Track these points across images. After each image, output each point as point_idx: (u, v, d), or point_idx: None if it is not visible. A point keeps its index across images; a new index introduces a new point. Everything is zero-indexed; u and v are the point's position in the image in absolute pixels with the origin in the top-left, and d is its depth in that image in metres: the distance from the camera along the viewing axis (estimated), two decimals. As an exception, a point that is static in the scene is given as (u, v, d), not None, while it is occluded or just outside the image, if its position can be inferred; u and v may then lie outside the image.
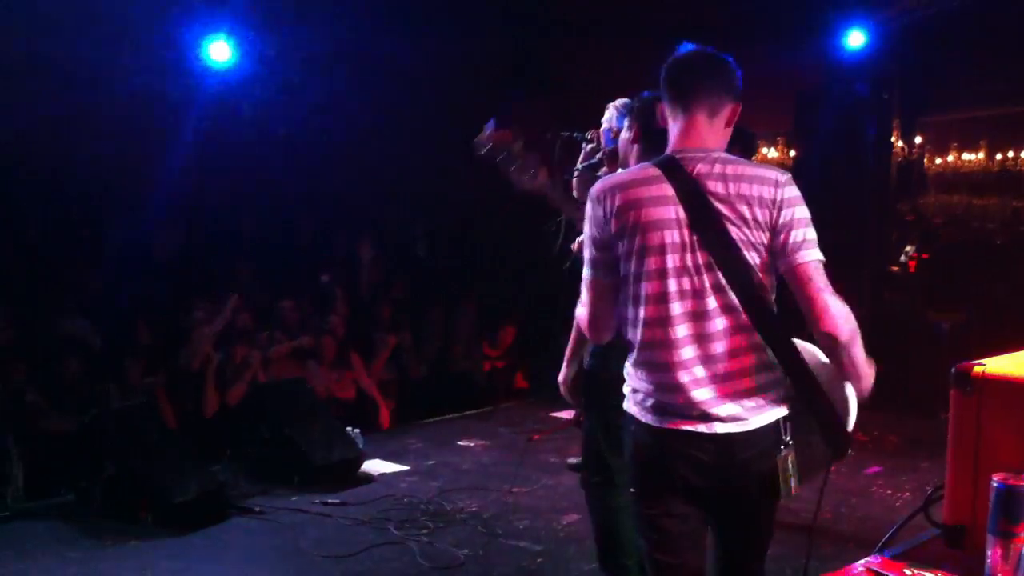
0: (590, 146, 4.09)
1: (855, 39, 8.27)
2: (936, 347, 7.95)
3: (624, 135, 3.81)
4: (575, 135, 5.84)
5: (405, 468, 6.26)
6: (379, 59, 8.36)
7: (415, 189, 9.10)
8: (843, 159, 8.52)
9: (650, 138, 3.68)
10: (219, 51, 7.43)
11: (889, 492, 5.80)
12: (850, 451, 2.69)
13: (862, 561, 2.12)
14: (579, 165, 4.02)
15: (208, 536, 5.06)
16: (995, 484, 1.92)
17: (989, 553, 1.94)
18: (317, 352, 7.29)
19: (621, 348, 3.35)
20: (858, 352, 2.59)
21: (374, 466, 6.22)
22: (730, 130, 2.75)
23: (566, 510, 5.43)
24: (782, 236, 2.58)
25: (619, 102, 6.03)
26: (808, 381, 2.64)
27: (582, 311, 2.81)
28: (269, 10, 7.62)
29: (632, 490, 2.81)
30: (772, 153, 11.00)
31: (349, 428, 6.29)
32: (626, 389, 2.76)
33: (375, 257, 8.92)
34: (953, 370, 2.13)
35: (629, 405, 2.73)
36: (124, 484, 5.28)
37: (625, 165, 3.77)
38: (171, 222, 8.61)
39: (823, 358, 2.67)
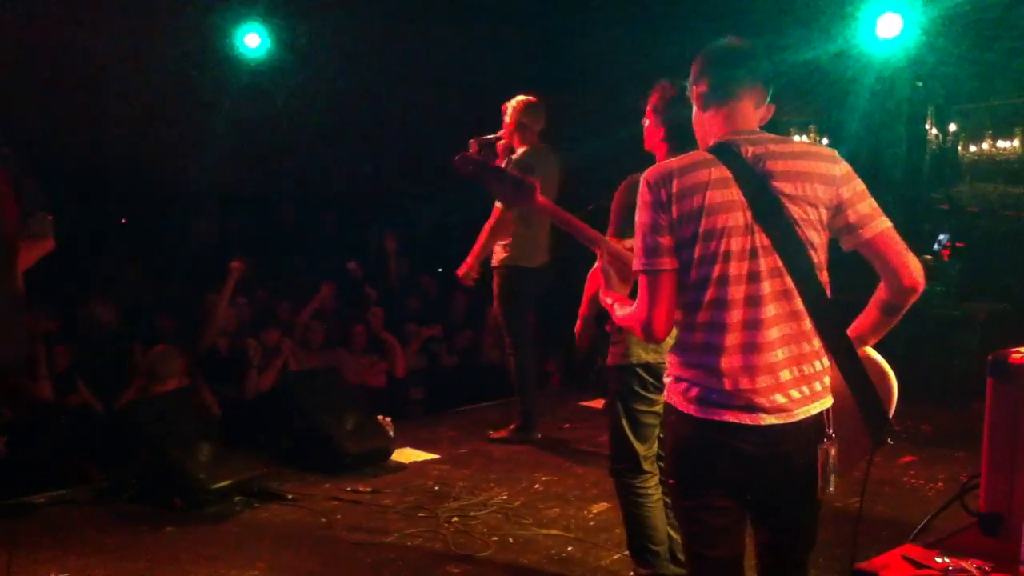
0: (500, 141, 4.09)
1: (888, 26, 8.20)
2: (970, 337, 7.89)
3: (648, 130, 3.82)
4: (491, 137, 5.90)
5: (436, 456, 6.28)
6: (410, 50, 8.38)
7: (446, 181, 9.12)
8: (875, 147, 8.46)
9: (675, 135, 3.69)
10: (252, 40, 7.46)
11: (922, 482, 5.76)
12: (889, 440, 2.67)
13: (897, 549, 2.12)
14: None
15: (241, 523, 5.10)
16: (1032, 473, 1.92)
17: (1026, 542, 1.93)
18: (348, 340, 7.33)
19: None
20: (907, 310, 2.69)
21: (405, 454, 6.24)
22: (771, 112, 2.77)
23: (596, 498, 5.42)
24: (851, 209, 2.61)
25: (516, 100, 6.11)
26: (856, 368, 2.63)
27: (633, 311, 2.74)
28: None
29: (671, 481, 2.80)
30: (804, 138, 10.92)
31: (380, 416, 6.31)
32: (667, 379, 2.74)
33: (400, 249, 8.95)
34: (990, 358, 2.12)
35: (670, 395, 2.71)
36: (157, 471, 5.33)
37: (663, 155, 3.77)
38: (205, 212, 8.69)
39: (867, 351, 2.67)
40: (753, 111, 2.71)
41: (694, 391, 2.62)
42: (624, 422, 3.93)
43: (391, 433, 6.26)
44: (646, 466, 3.97)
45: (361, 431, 6.08)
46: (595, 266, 3.84)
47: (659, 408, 3.87)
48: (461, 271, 6.35)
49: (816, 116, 10.32)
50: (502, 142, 6.28)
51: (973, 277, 8.68)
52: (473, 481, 5.78)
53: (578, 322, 4.21)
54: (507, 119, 6.29)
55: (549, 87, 8.10)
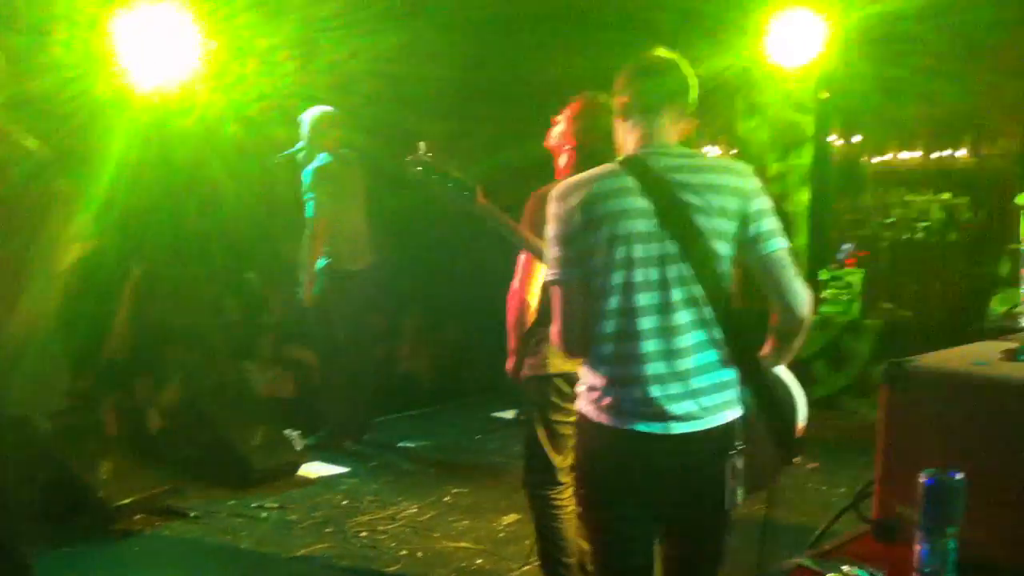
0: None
1: (793, 39, 8.34)
2: (872, 344, 8.05)
3: (559, 137, 3.83)
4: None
5: (345, 470, 6.19)
6: (339, 54, 8.26)
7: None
8: (781, 159, 8.61)
9: (589, 144, 3.71)
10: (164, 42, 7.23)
11: (824, 488, 5.86)
12: (798, 459, 2.69)
13: (794, 558, 2.13)
14: None
15: (143, 542, 4.97)
16: (924, 480, 1.93)
17: (918, 548, 1.95)
18: (253, 351, 7.21)
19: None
20: (802, 338, 2.68)
21: (314, 468, 6.14)
22: (689, 127, 2.78)
23: (507, 510, 5.40)
24: (754, 226, 2.62)
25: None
26: (763, 382, 2.65)
27: (553, 327, 2.74)
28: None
29: (582, 492, 2.79)
30: (714, 152, 11.06)
31: (288, 430, 6.21)
32: (579, 388, 2.73)
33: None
34: (884, 367, 2.14)
35: (583, 405, 2.70)
36: (57, 489, 5.16)
37: (569, 162, 3.79)
38: (109, 220, 8.46)
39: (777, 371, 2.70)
40: (672, 125, 2.72)
41: (606, 400, 2.62)
42: (541, 434, 3.90)
43: (299, 447, 6.16)
44: (561, 478, 3.96)
45: (268, 445, 5.97)
46: (512, 285, 3.83)
47: (572, 418, 3.86)
48: (307, 297, 6.43)
49: (726, 129, 10.48)
50: (302, 153, 6.52)
51: (876, 286, 8.86)
52: (382, 495, 5.71)
53: (510, 359, 4.02)
54: (304, 130, 6.56)
55: (467, 98, 8.11)
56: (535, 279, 3.76)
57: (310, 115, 6.54)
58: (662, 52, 2.79)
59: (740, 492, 2.63)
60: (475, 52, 8.34)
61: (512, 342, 3.92)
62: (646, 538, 2.73)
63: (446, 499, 5.65)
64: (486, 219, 3.61)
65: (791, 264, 2.65)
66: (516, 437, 5.10)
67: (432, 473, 6.18)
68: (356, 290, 6.52)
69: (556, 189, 2.69)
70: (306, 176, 6.38)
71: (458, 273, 8.79)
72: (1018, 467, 1.96)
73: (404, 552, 4.84)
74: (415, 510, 5.46)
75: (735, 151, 10.26)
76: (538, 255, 3.24)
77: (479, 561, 4.76)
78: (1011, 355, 2.20)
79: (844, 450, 6.53)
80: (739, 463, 2.60)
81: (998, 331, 2.56)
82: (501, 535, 5.09)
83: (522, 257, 3.75)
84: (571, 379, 3.85)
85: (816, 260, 8.68)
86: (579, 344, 2.69)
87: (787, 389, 2.68)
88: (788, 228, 7.92)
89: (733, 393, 2.64)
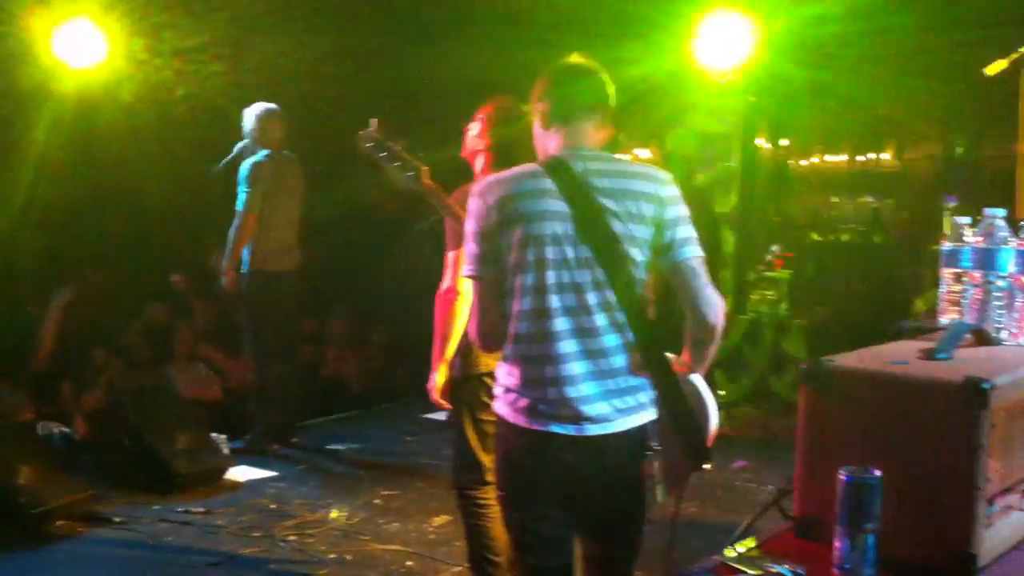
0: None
1: (722, 42, 8.42)
2: (798, 344, 8.17)
3: (474, 139, 3.84)
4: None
5: (273, 474, 6.12)
6: (258, 56, 8.16)
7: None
8: (706, 160, 8.70)
9: (504, 150, 3.74)
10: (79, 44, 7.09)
11: (753, 486, 5.92)
12: (707, 466, 2.72)
13: (716, 555, 2.14)
14: None
15: (65, 549, 4.86)
16: (842, 477, 1.96)
17: (837, 544, 1.97)
18: (177, 355, 7.10)
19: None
20: (715, 347, 2.71)
21: (241, 472, 6.06)
22: (609, 132, 2.79)
23: (437, 511, 5.38)
24: (669, 232, 2.64)
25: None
26: (674, 388, 2.67)
27: (470, 322, 2.76)
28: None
29: (501, 493, 2.80)
30: (645, 153, 11.14)
31: (214, 434, 6.12)
32: (497, 389, 2.73)
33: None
34: (802, 366, 2.16)
35: (500, 406, 2.71)
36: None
37: (480, 175, 3.81)
38: (30, 225, 8.28)
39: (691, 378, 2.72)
40: (593, 131, 2.73)
41: (522, 401, 2.63)
42: (471, 434, 3.90)
43: (226, 450, 6.08)
44: (488, 477, 3.95)
45: (194, 449, 5.87)
46: (440, 289, 3.81)
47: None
48: (227, 284, 6.35)
49: (656, 133, 10.56)
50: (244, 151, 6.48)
51: (803, 287, 9.00)
52: (311, 498, 5.66)
53: (434, 370, 3.93)
54: (248, 125, 6.48)
55: (395, 100, 8.07)
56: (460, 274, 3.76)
57: (255, 111, 6.44)
58: (580, 58, 2.80)
59: (660, 491, 2.67)
60: (406, 53, 8.31)
61: (437, 349, 3.88)
62: (565, 538, 2.75)
63: (376, 502, 5.61)
64: (430, 200, 3.63)
65: (703, 273, 2.68)
66: (446, 439, 5.10)
67: (361, 476, 6.14)
68: (284, 292, 6.46)
69: (477, 185, 2.71)
70: (243, 169, 6.30)
71: (388, 274, 8.74)
72: (933, 464, 1.99)
73: (333, 555, 4.79)
74: (344, 513, 5.41)
75: (664, 153, 10.36)
76: None
77: (409, 563, 4.73)
78: (927, 354, 2.23)
79: (773, 448, 6.62)
80: (656, 464, 2.63)
81: (917, 330, 2.60)
82: (431, 537, 5.07)
83: (451, 255, 3.74)
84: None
85: (744, 262, 8.79)
86: (492, 339, 2.72)
87: (699, 397, 2.71)
88: (716, 231, 8.03)
89: (646, 396, 2.66)
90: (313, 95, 8.42)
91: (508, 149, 3.71)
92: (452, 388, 3.91)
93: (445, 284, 3.79)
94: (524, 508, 2.72)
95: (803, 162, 11.88)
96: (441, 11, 8.23)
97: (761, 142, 9.92)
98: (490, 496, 3.97)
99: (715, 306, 2.67)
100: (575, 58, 2.80)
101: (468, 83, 7.56)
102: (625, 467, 2.66)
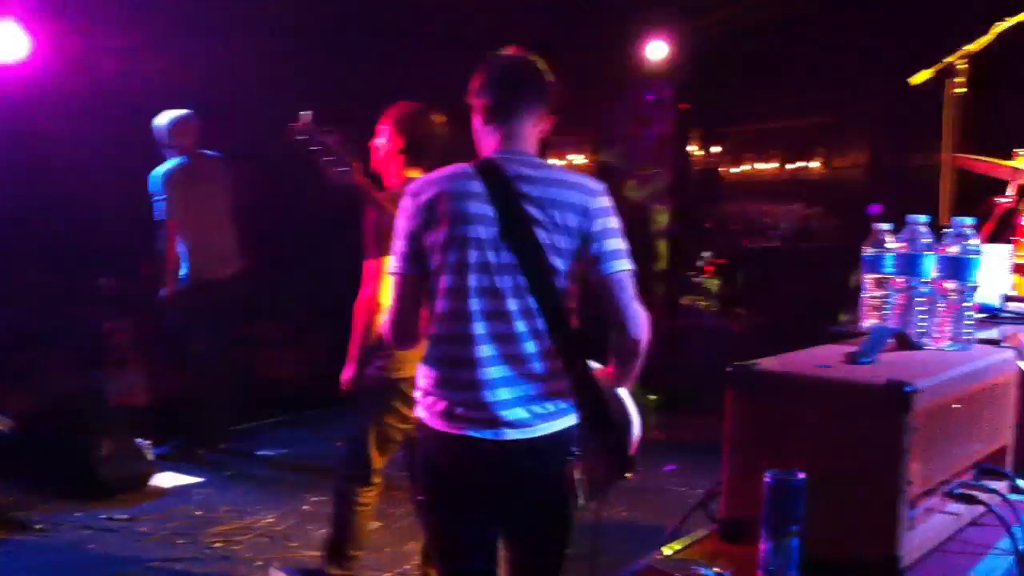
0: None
1: (655, 51, 8.49)
2: (729, 350, 8.22)
3: (384, 146, 3.83)
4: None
5: (201, 480, 6.03)
6: (192, 53, 8.02)
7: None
8: (643, 166, 8.77)
9: (417, 148, 3.76)
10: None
11: (684, 489, 5.96)
12: (629, 475, 2.72)
13: (643, 559, 2.14)
14: None
15: (-18, 557, 4.74)
16: (767, 479, 1.97)
17: (762, 547, 1.98)
18: (105, 358, 6.96)
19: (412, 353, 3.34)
20: (641, 361, 2.70)
21: (167, 479, 5.96)
22: (542, 134, 2.78)
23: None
24: (595, 245, 2.63)
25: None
26: (595, 397, 2.67)
27: (386, 319, 2.74)
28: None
29: (421, 498, 2.77)
30: (579, 159, 11.18)
31: (140, 440, 6.00)
32: (416, 393, 2.71)
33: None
34: (728, 369, 2.17)
35: (420, 409, 2.70)
36: None
37: (390, 179, 3.81)
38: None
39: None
40: (531, 128, 2.72)
41: (441, 405, 2.62)
42: (372, 434, 3.92)
43: (151, 456, 5.97)
44: (374, 479, 4.02)
45: (118, 455, 5.76)
46: (362, 294, 3.79)
47: (409, 424, 3.87)
48: (168, 295, 6.26)
49: (593, 137, 10.61)
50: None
51: (732, 293, 9.08)
52: (238, 504, 5.58)
53: (348, 367, 4.01)
54: (160, 135, 6.42)
55: (332, 99, 7.98)
56: (383, 281, 3.74)
57: (164, 119, 6.37)
58: (520, 53, 2.78)
59: (582, 495, 2.66)
60: (336, 57, 8.24)
61: (353, 349, 3.90)
62: (487, 543, 2.74)
63: (304, 508, 5.55)
64: (361, 196, 3.63)
65: (630, 286, 2.67)
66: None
67: (291, 482, 6.07)
68: (220, 300, 6.36)
69: (410, 184, 2.69)
70: (154, 179, 6.21)
71: (321, 279, 8.64)
72: (857, 466, 2.00)
73: (260, 562, 4.73)
74: (272, 519, 5.35)
75: (598, 162, 10.42)
76: None
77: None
78: (852, 358, 2.25)
79: (704, 452, 6.64)
80: (578, 469, 2.63)
81: (842, 335, 2.62)
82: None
83: (370, 264, 3.73)
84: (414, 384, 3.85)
85: (675, 268, 8.86)
86: (406, 338, 2.73)
87: (621, 406, 2.71)
88: (649, 236, 8.09)
89: (566, 402, 2.65)
90: (244, 95, 8.32)
91: (419, 150, 3.75)
92: (367, 389, 3.90)
93: (366, 292, 3.77)
94: (443, 512, 2.71)
95: (734, 169, 12.01)
96: (371, 14, 8.17)
97: (693, 149, 10.01)
98: (370, 495, 4.04)
99: (640, 321, 2.67)
100: (515, 52, 2.78)
101: (406, 87, 7.54)
102: (547, 472, 2.66)
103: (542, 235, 2.59)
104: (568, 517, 2.73)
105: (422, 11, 8.11)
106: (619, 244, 2.68)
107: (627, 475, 2.69)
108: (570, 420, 2.67)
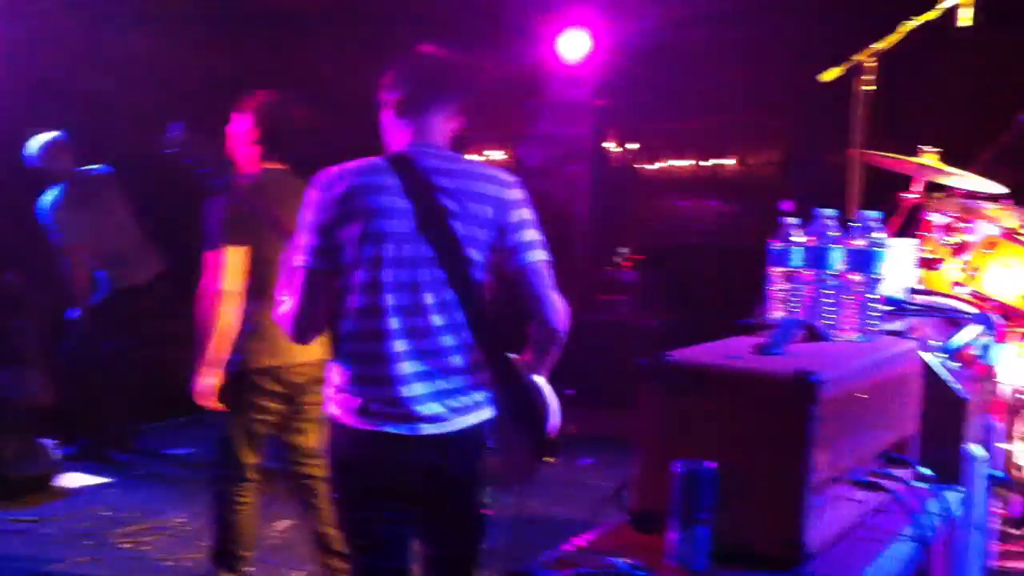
0: None
1: (573, 48, 8.53)
2: (646, 346, 8.30)
3: (240, 135, 3.79)
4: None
5: (109, 480, 5.89)
6: (94, 46, 7.84)
7: (136, 189, 8.62)
8: (560, 163, 8.80)
9: (274, 139, 3.72)
10: None
11: (601, 482, 5.99)
12: (552, 459, 2.73)
13: (555, 551, 2.13)
14: None
15: None
16: (677, 469, 1.98)
17: (672, 536, 1.99)
18: (9, 357, 6.76)
19: (268, 343, 3.32)
20: (559, 350, 2.71)
21: (75, 478, 5.81)
22: (458, 129, 2.77)
23: (279, 516, 5.25)
24: (511, 236, 2.63)
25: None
26: (516, 384, 2.67)
27: (285, 307, 2.69)
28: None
29: (335, 496, 2.74)
30: (497, 156, 11.17)
31: (46, 439, 5.85)
32: (328, 390, 2.68)
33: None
34: (638, 362, 2.18)
35: (332, 407, 2.66)
36: None
37: (245, 168, 3.77)
38: None
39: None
40: (443, 124, 2.71)
41: (355, 402, 2.59)
42: (236, 431, 3.87)
43: (57, 456, 5.81)
44: (249, 475, 3.97)
45: (23, 454, 5.60)
46: (205, 287, 3.72)
47: (273, 418, 3.90)
48: (84, 314, 6.17)
49: (510, 133, 10.61)
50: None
51: (651, 288, 9.14)
52: (148, 504, 5.47)
53: (206, 372, 3.87)
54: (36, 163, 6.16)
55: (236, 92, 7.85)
56: (231, 271, 3.69)
57: (35, 146, 6.11)
58: (434, 48, 2.76)
59: (497, 490, 2.67)
60: (240, 48, 8.11)
61: (204, 351, 3.80)
62: (402, 540, 2.72)
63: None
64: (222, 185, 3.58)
65: (546, 276, 2.68)
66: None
67: (201, 481, 5.92)
68: (140, 305, 6.24)
69: (319, 177, 2.64)
70: (42, 210, 6.02)
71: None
72: (765, 455, 2.02)
73: (170, 563, 4.64)
74: (183, 519, 5.25)
75: (515, 157, 10.42)
76: None
77: (250, 569, 4.60)
78: (760, 349, 2.28)
79: (621, 446, 6.68)
80: (495, 462, 2.63)
81: (752, 327, 2.65)
82: (274, 542, 4.95)
83: (215, 255, 3.68)
84: (273, 375, 3.81)
85: (593, 264, 8.90)
86: (309, 333, 2.68)
87: (541, 395, 2.72)
88: (567, 232, 8.10)
89: (483, 395, 2.65)
90: (139, 92, 8.16)
91: (276, 141, 3.72)
92: (224, 386, 3.85)
93: (210, 284, 3.71)
94: (359, 510, 2.69)
95: (651, 166, 12.10)
96: (289, 6, 8.07)
97: (610, 145, 10.07)
98: (248, 493, 3.99)
99: (558, 310, 2.68)
100: (428, 49, 2.76)
101: (327, 80, 7.47)
102: (462, 466, 2.65)
103: (459, 227, 2.58)
104: (483, 511, 2.73)
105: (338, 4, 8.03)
106: (535, 235, 2.69)
107: (550, 459, 2.70)
108: (486, 413, 2.67)
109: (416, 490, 2.63)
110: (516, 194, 2.68)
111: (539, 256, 2.68)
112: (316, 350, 3.35)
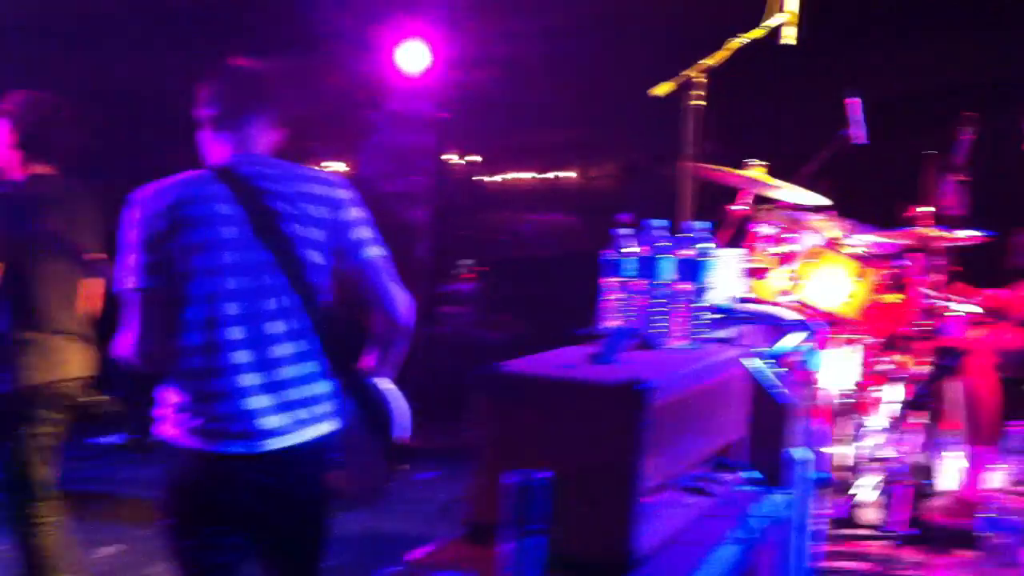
0: None
1: (412, 60, 8.51)
2: (487, 358, 8.32)
3: (7, 133, 3.68)
4: None
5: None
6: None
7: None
8: (401, 175, 8.77)
9: (35, 143, 3.63)
10: None
11: (443, 496, 5.96)
12: (407, 465, 2.71)
13: (388, 568, 2.11)
14: None
15: None
16: (510, 480, 1.98)
17: (505, 548, 1.99)
18: None
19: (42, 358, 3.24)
20: (405, 345, 2.69)
21: None
22: (283, 139, 2.73)
23: (106, 542, 5.06)
24: (347, 234, 2.60)
25: None
26: (363, 391, 2.63)
27: (128, 341, 2.56)
28: None
29: (169, 522, 2.64)
30: (338, 167, 11.07)
31: None
32: (162, 410, 2.58)
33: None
34: (472, 374, 2.18)
35: (166, 428, 2.56)
36: None
37: (9, 175, 3.67)
38: None
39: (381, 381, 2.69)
40: (263, 135, 2.67)
41: (194, 421, 2.50)
42: (28, 449, 3.75)
43: None
44: (43, 493, 3.84)
45: None
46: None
47: (57, 431, 3.80)
48: None
49: (347, 146, 10.52)
50: None
51: (492, 300, 9.20)
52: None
53: None
54: None
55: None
56: None
57: None
58: (247, 60, 2.73)
59: (343, 503, 2.63)
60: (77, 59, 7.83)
61: None
62: (239, 563, 2.64)
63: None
64: None
65: (386, 270, 2.67)
66: (117, 463, 4.81)
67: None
68: None
69: (136, 194, 2.56)
70: None
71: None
72: (597, 463, 2.04)
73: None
74: (2, 548, 4.97)
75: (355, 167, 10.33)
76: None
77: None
78: (593, 358, 2.30)
79: (461, 459, 6.68)
80: (337, 477, 2.59)
81: (586, 337, 2.68)
82: (102, 567, 4.75)
83: None
84: (52, 389, 3.70)
85: (434, 277, 8.88)
86: (158, 357, 2.56)
87: (388, 401, 2.69)
88: (408, 244, 8.07)
89: (330, 406, 2.61)
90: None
91: (38, 144, 3.63)
92: (9, 401, 3.73)
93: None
94: (195, 536, 2.58)
95: (493, 178, 12.20)
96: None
97: (452, 158, 10.10)
98: (46, 513, 3.84)
99: (402, 302, 2.67)
100: (243, 61, 2.72)
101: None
102: (307, 481, 2.59)
103: (295, 229, 2.54)
104: (327, 527, 2.68)
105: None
106: (369, 232, 2.68)
107: (402, 467, 2.68)
108: (332, 424, 2.61)
109: (257, 510, 2.55)
110: (346, 193, 2.66)
111: (376, 252, 2.66)
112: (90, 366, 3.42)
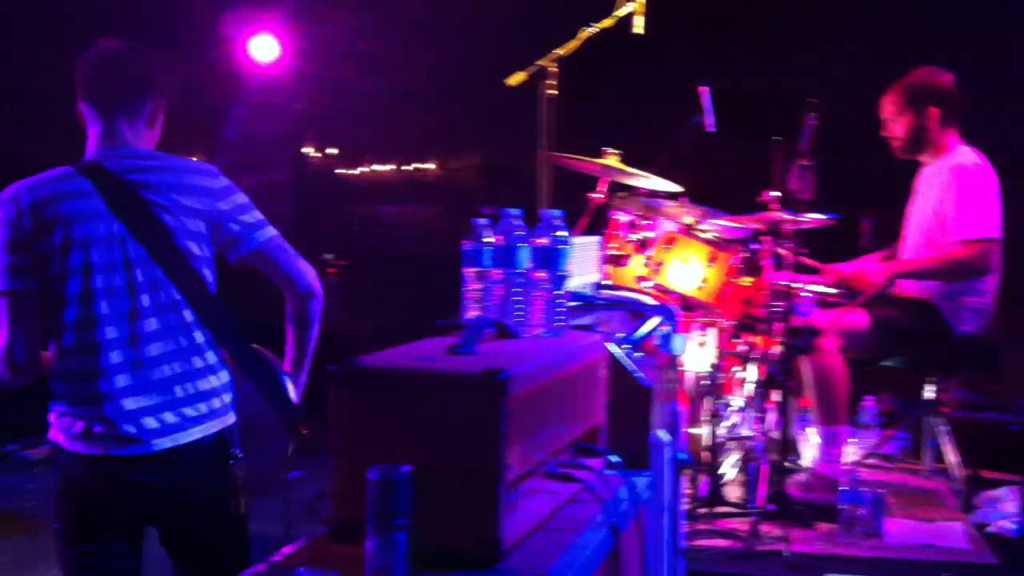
0: None
1: (264, 51, 8.37)
2: (352, 353, 8.24)
3: None
4: None
5: None
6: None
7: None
8: (258, 167, 8.62)
9: None
10: None
11: (309, 496, 5.87)
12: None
13: (249, 569, 2.06)
14: None
15: None
16: (370, 476, 1.95)
17: (369, 544, 1.96)
18: None
19: None
20: (320, 317, 2.70)
21: None
22: (157, 131, 2.63)
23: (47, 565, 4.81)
24: (233, 223, 2.55)
25: None
26: (265, 376, 2.57)
27: None
28: None
29: (58, 530, 2.53)
30: (193, 158, 10.83)
31: None
32: (50, 415, 2.48)
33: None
34: (328, 368, 2.14)
35: (53, 432, 2.46)
36: None
37: None
38: None
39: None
40: (129, 127, 2.57)
41: (77, 425, 2.41)
42: None
43: None
44: None
45: None
46: None
47: None
48: None
49: (206, 137, 10.27)
50: None
51: (357, 295, 9.12)
52: None
53: None
54: None
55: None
56: None
57: None
58: (116, 44, 2.63)
59: (244, 499, 2.57)
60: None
61: None
62: (137, 567, 2.56)
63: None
64: None
65: (285, 247, 2.64)
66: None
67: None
68: None
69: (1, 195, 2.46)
70: None
71: None
72: (460, 454, 2.03)
73: None
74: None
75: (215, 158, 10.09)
76: None
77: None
78: (452, 349, 2.29)
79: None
80: (241, 471, 2.53)
81: (445, 328, 2.67)
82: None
83: None
84: None
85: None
86: (27, 366, 2.47)
87: (277, 369, 2.65)
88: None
89: (222, 400, 2.54)
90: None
91: None
92: None
93: None
94: (86, 543, 2.49)
95: (353, 171, 12.07)
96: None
97: (309, 150, 9.97)
98: None
99: (308, 271, 2.65)
100: (108, 46, 2.61)
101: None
102: (205, 478, 2.51)
103: (169, 220, 2.46)
104: (236, 527, 2.61)
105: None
106: (258, 215, 2.63)
107: (304, 431, 2.62)
108: (227, 420, 2.54)
109: (158, 512, 2.47)
110: (223, 181, 2.61)
111: (270, 232, 2.62)
112: None
